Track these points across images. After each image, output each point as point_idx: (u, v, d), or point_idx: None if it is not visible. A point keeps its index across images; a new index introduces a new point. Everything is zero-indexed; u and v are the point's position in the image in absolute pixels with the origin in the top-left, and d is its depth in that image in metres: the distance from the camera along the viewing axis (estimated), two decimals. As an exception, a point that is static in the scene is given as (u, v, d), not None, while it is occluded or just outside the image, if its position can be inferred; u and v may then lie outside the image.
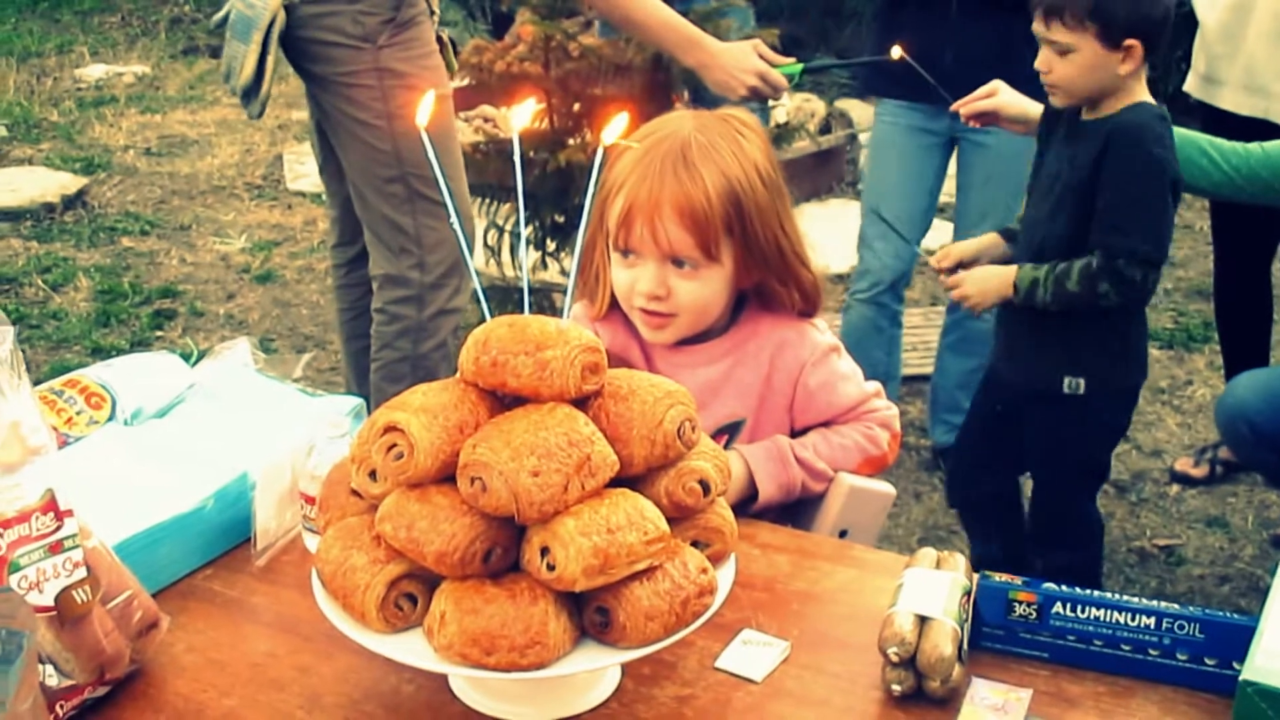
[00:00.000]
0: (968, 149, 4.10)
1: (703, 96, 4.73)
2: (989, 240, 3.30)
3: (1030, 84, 4.01)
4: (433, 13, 3.48)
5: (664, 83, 4.26)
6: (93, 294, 5.50)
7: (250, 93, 3.46)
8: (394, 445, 1.50)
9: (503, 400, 1.57)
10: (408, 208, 3.50)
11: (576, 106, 4.43)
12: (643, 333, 2.13)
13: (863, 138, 7.25)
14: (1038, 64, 2.99)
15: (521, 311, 4.57)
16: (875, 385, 2.20)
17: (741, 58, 3.29)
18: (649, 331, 2.12)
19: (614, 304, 2.17)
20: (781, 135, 4.80)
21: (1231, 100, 3.87)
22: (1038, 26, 2.96)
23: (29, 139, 7.51)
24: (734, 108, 2.39)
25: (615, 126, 1.56)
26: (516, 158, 1.60)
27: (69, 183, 6.62)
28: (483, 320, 1.56)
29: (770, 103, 5.76)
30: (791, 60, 3.34)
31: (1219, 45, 3.87)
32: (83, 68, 8.98)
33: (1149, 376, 4.88)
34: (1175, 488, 4.26)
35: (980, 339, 4.16)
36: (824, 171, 6.90)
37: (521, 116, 1.71)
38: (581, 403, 1.55)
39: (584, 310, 2.19)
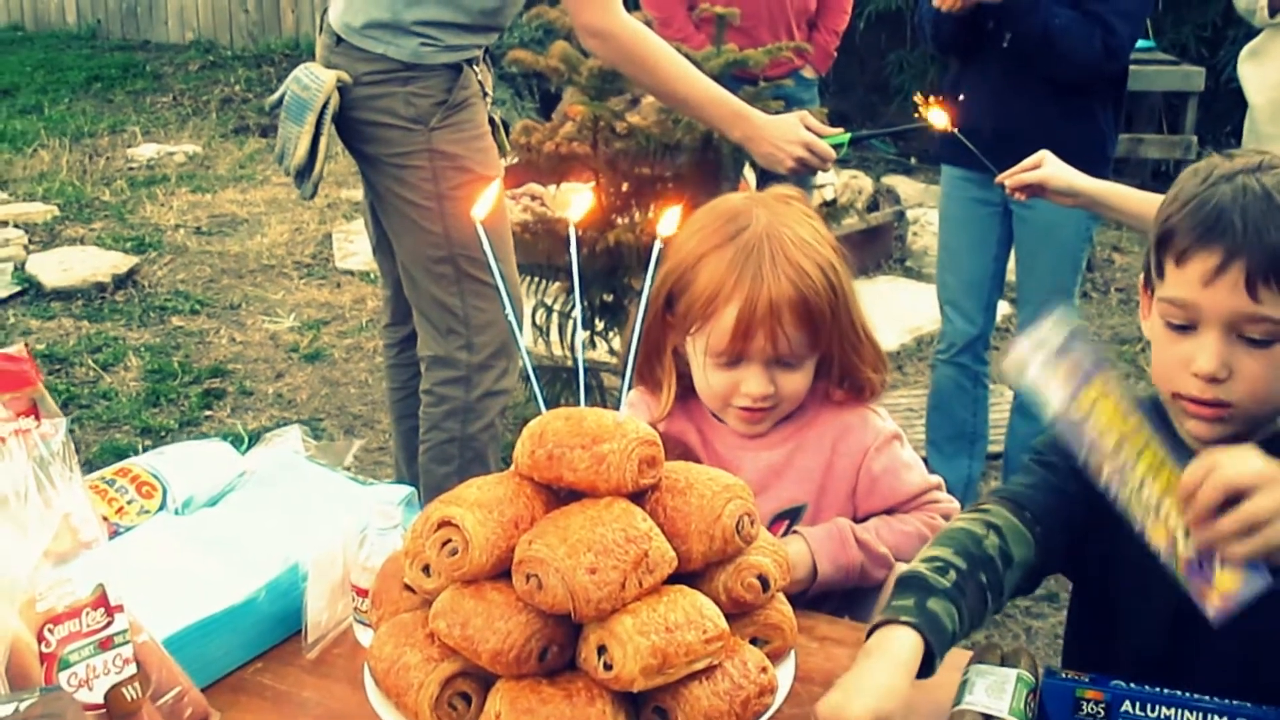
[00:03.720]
0: (1017, 222, 4.16)
1: (769, 179, 4.76)
2: None
3: (1078, 163, 4.03)
4: (486, 94, 3.50)
5: (714, 162, 4.26)
6: (142, 373, 5.53)
7: (303, 173, 3.47)
8: (448, 540, 1.49)
9: (558, 494, 1.54)
10: (455, 289, 3.50)
11: (625, 186, 4.43)
12: (738, 428, 2.11)
13: (910, 214, 7.25)
14: (1206, 366, 1.67)
15: (572, 390, 4.56)
16: (938, 479, 2.17)
17: (788, 130, 3.27)
18: (746, 426, 2.09)
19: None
20: (831, 214, 4.79)
21: (1284, 181, 3.83)
22: (1227, 298, 1.66)
23: (81, 218, 7.58)
24: (783, 185, 2.37)
25: (671, 219, 1.55)
26: (573, 247, 1.58)
27: (120, 262, 6.67)
28: (532, 400, 1.55)
29: (815, 178, 5.77)
30: (839, 131, 3.33)
31: (1269, 126, 3.84)
32: (134, 147, 9.08)
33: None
34: (1235, 570, 4.19)
35: None
36: (872, 249, 6.89)
37: (580, 206, 1.69)
38: (639, 496, 1.53)
39: (639, 398, 2.16)
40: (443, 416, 3.61)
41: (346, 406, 5.31)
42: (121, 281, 6.51)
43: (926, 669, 1.61)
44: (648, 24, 4.55)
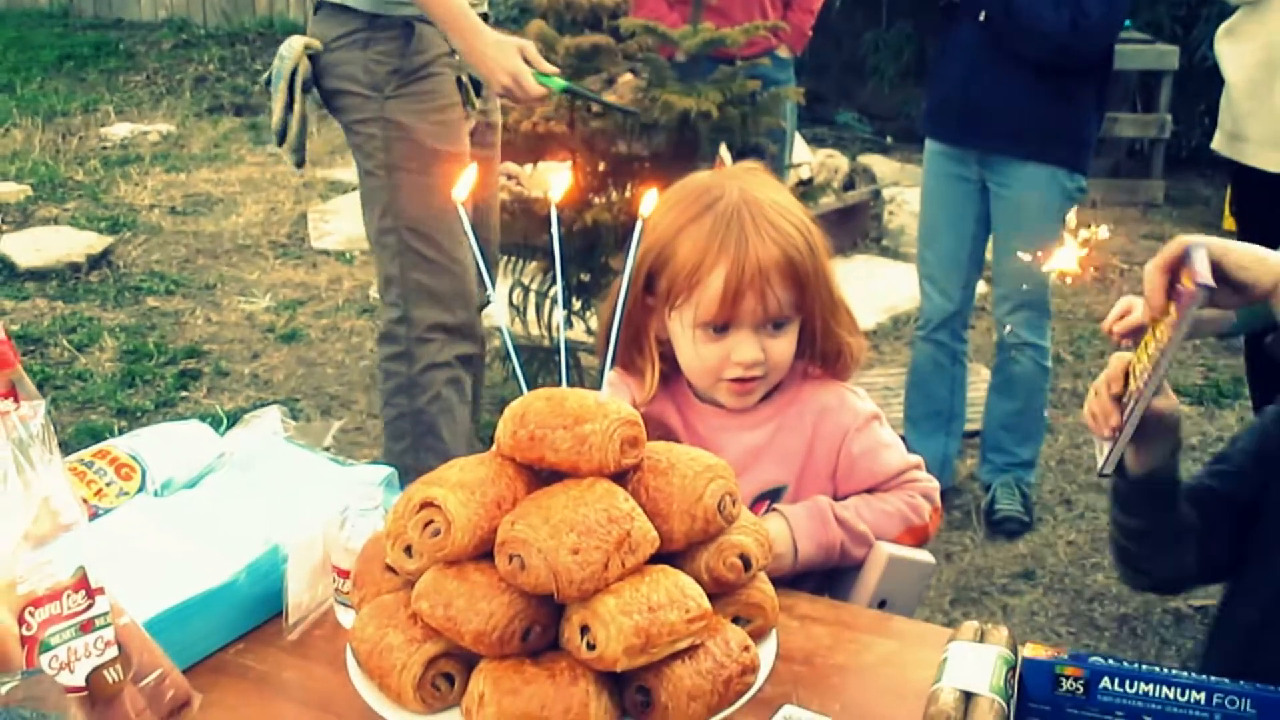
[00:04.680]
0: (993, 200, 4.19)
1: (745, 157, 4.77)
2: None
3: (1056, 141, 4.06)
4: (454, 53, 3.44)
5: (691, 141, 4.26)
6: (118, 354, 5.50)
7: (283, 140, 3.49)
8: (430, 521, 1.48)
9: (540, 475, 1.54)
10: (397, 261, 3.50)
11: (602, 166, 4.43)
12: (729, 402, 2.10)
13: (887, 193, 7.26)
14: None
15: (549, 369, 4.54)
16: (917, 458, 2.17)
17: (503, 56, 3.26)
18: (737, 399, 2.09)
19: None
20: (807, 193, 4.79)
21: (1259, 157, 3.87)
22: None
23: (54, 199, 7.53)
24: (750, 161, 2.37)
25: (650, 200, 1.55)
26: (554, 228, 1.58)
27: (94, 242, 6.63)
28: (511, 379, 1.55)
29: (792, 157, 5.77)
30: (555, 73, 3.32)
31: (1246, 103, 3.86)
32: (108, 126, 9.03)
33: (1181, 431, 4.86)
34: (1210, 546, 4.21)
35: (1022, 381, 4.22)
36: (849, 228, 6.89)
37: (559, 186, 1.69)
38: (620, 477, 1.53)
39: (619, 379, 2.16)
40: (392, 392, 3.62)
41: (323, 387, 5.30)
42: (96, 262, 6.48)
43: None
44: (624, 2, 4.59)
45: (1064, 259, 2.34)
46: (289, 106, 3.49)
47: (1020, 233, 4.11)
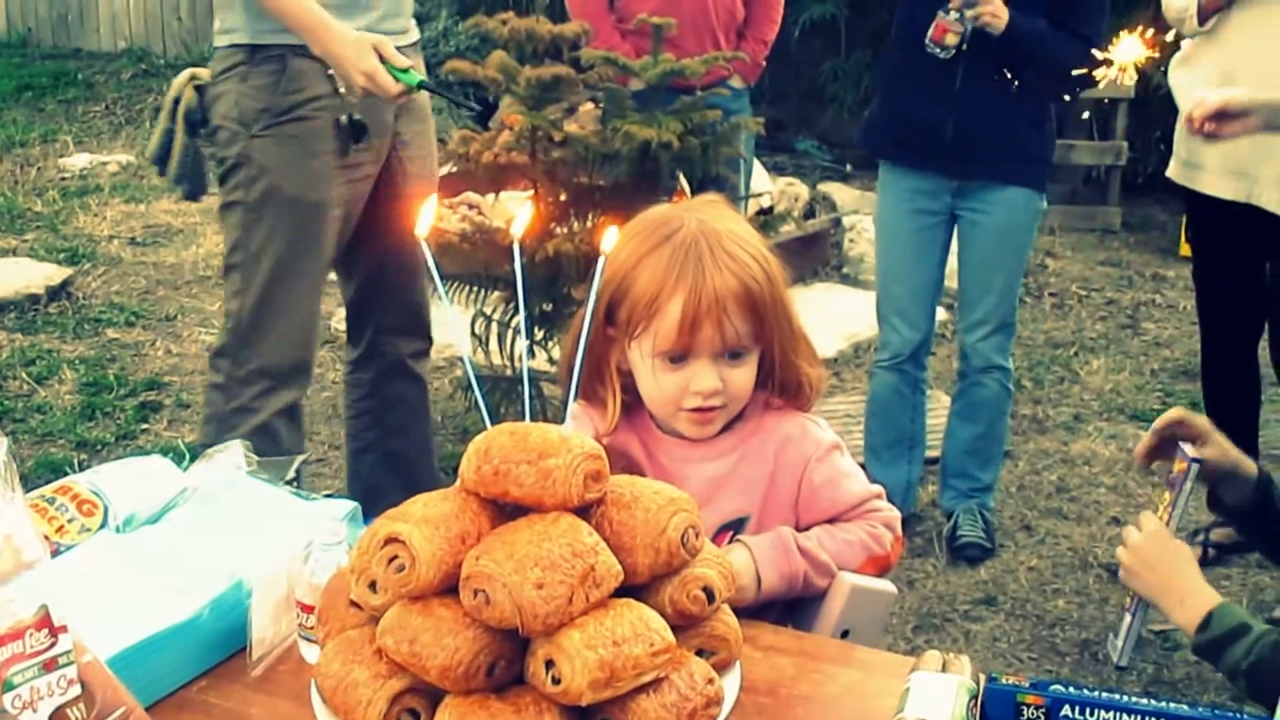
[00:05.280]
0: (966, 227, 4.18)
1: (704, 189, 4.79)
2: None
3: (1031, 163, 4.10)
4: (339, 92, 3.39)
5: (652, 171, 4.28)
6: (77, 386, 5.48)
7: (163, 168, 3.60)
8: (395, 557, 1.49)
9: (504, 509, 1.55)
10: (237, 298, 3.49)
11: (564, 196, 4.45)
12: (689, 432, 2.12)
13: (847, 221, 7.30)
14: None
15: (511, 399, 4.54)
16: (878, 488, 2.19)
17: (357, 57, 3.23)
18: (697, 429, 2.11)
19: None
20: (767, 223, 4.82)
21: (1213, 185, 3.93)
22: None
23: (13, 230, 7.49)
24: (711, 194, 2.39)
25: (611, 236, 1.57)
26: (516, 262, 1.59)
27: (53, 273, 6.60)
28: (473, 409, 1.56)
29: (752, 186, 5.80)
30: (409, 67, 3.30)
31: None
32: (66, 157, 8.99)
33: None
34: (1169, 571, 4.25)
35: (987, 405, 4.25)
36: (809, 256, 6.93)
37: (521, 221, 1.70)
38: (584, 511, 1.54)
39: (582, 412, 2.17)
40: (205, 419, 3.63)
41: (285, 418, 5.28)
42: (55, 293, 6.45)
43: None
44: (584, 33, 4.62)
45: None
46: (169, 135, 3.55)
47: (995, 257, 4.16)
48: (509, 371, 4.65)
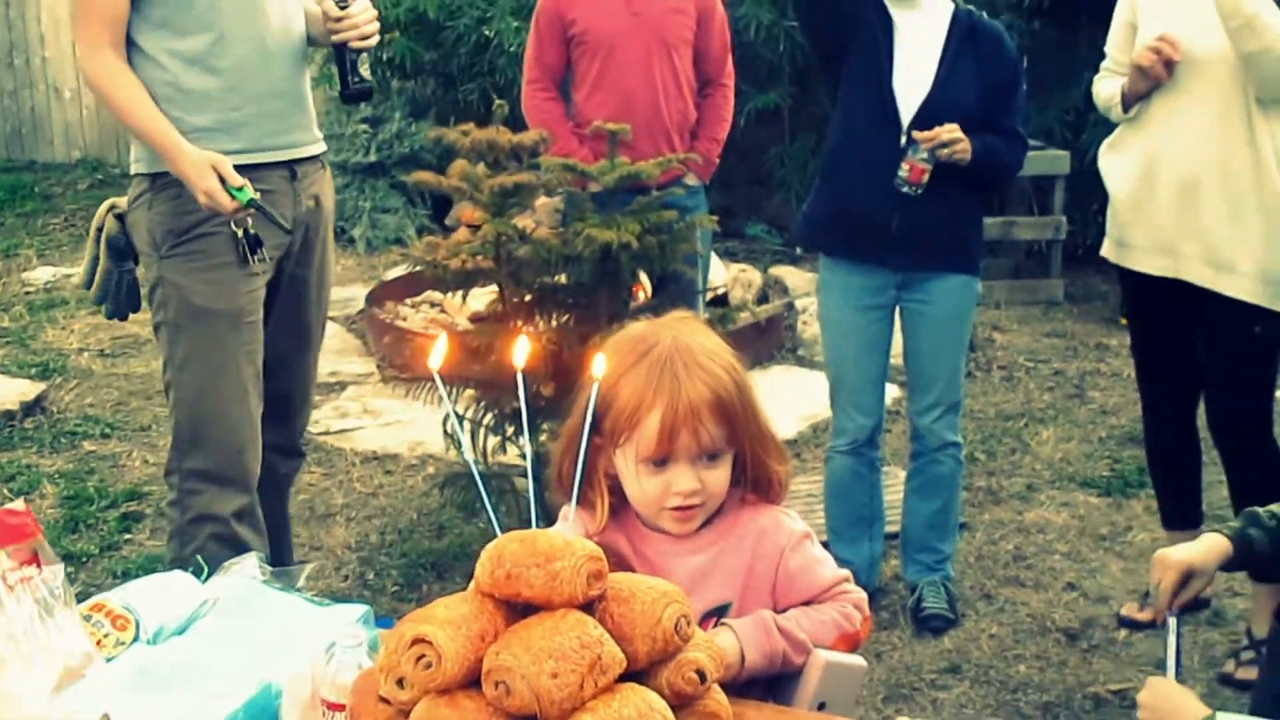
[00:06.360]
0: (912, 317, 4.38)
1: (664, 287, 5.01)
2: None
3: (970, 251, 4.34)
4: (252, 206, 3.55)
5: (613, 271, 4.47)
6: (59, 500, 5.61)
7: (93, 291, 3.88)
8: (422, 655, 1.68)
9: (517, 608, 1.74)
10: (174, 413, 3.75)
11: (529, 296, 4.63)
12: (672, 529, 2.31)
13: (799, 303, 7.52)
14: None
15: (477, 496, 4.68)
16: (846, 571, 2.39)
17: (198, 176, 3.46)
18: (679, 526, 2.30)
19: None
20: (725, 315, 5.01)
21: (1143, 262, 4.14)
22: None
23: (-18, 345, 7.64)
24: (681, 311, 2.61)
25: (599, 363, 1.77)
26: (521, 390, 1.79)
27: (27, 389, 6.72)
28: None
29: (710, 279, 6.01)
30: (245, 184, 3.49)
31: (1128, 214, 4.16)
32: (30, 271, 9.11)
33: (1090, 524, 5.12)
34: (1123, 632, 4.45)
35: (943, 481, 4.45)
36: (765, 341, 7.13)
37: (521, 353, 1.91)
38: (588, 606, 1.73)
39: (577, 517, 2.37)
40: (168, 536, 3.87)
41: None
42: (30, 408, 6.57)
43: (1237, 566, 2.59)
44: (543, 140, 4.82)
45: None
46: (96, 261, 3.82)
47: (942, 344, 4.39)
48: (481, 467, 4.82)
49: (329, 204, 3.97)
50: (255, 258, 3.64)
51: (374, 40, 3.77)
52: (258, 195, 3.52)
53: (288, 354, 3.95)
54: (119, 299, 3.88)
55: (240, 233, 3.59)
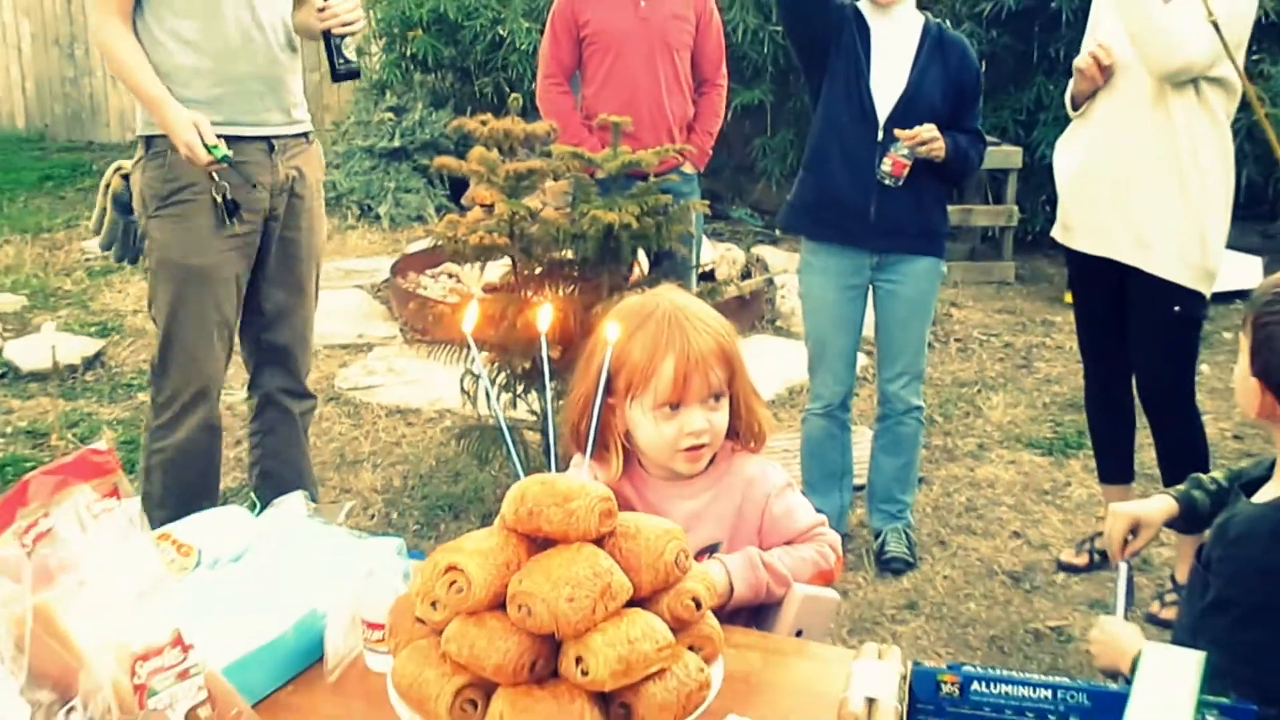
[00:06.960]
0: (884, 296, 4.42)
1: (660, 263, 5.04)
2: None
3: (937, 236, 4.39)
4: (213, 177, 3.66)
5: (614, 248, 4.51)
6: (117, 444, 5.63)
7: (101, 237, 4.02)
8: (454, 581, 1.72)
9: (538, 542, 1.79)
10: (157, 341, 3.88)
11: (539, 269, 4.67)
12: (684, 469, 2.36)
13: (778, 280, 7.56)
14: None
15: (496, 446, 4.75)
16: (822, 516, 2.44)
17: (180, 129, 3.55)
18: (690, 465, 2.35)
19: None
20: (714, 288, 5.06)
21: (1083, 243, 4.20)
22: None
23: (48, 307, 7.66)
24: (668, 275, 2.66)
25: (613, 329, 1.82)
26: (545, 354, 1.83)
27: (87, 345, 6.77)
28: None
29: (702, 257, 6.05)
30: (219, 143, 3.57)
31: (1071, 201, 4.23)
32: (88, 240, 9.12)
33: (1034, 479, 5.17)
34: (1061, 576, 4.51)
35: (906, 440, 4.51)
36: (747, 313, 7.18)
37: (544, 318, 1.95)
38: (600, 541, 1.78)
39: (590, 468, 2.40)
40: (143, 428, 4.11)
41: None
42: (90, 363, 6.62)
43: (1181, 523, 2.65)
44: (552, 130, 4.86)
45: None
46: (104, 212, 3.97)
47: (910, 319, 4.44)
48: (492, 421, 4.87)
49: (315, 175, 4.06)
50: (233, 220, 3.75)
51: (357, 27, 3.85)
52: (231, 153, 3.62)
53: (286, 308, 4.07)
54: (125, 245, 4.01)
55: (220, 198, 3.69)
